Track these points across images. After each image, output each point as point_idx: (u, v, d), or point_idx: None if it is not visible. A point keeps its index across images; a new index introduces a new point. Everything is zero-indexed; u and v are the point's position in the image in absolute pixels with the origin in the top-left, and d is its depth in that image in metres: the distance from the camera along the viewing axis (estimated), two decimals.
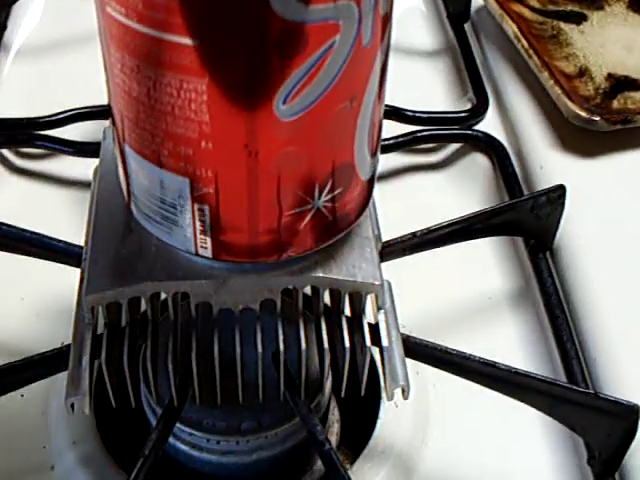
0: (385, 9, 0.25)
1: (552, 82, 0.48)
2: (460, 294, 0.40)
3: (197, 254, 0.27)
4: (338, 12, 0.23)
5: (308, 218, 0.27)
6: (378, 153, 0.29)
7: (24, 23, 0.58)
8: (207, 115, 0.24)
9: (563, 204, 0.39)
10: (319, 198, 0.27)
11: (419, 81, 0.55)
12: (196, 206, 0.26)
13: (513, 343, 0.38)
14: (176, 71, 0.23)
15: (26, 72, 0.54)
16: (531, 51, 0.51)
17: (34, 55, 0.55)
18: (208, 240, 0.27)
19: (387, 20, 0.26)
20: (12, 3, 0.56)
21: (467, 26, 0.57)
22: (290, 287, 0.28)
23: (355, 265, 0.28)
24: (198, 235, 0.27)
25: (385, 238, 0.34)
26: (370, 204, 0.30)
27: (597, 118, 0.46)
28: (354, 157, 0.27)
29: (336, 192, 0.27)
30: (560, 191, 0.38)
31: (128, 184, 0.28)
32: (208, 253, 0.27)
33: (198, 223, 0.27)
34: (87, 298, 0.28)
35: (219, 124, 0.24)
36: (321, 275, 0.28)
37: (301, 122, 0.24)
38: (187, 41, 0.23)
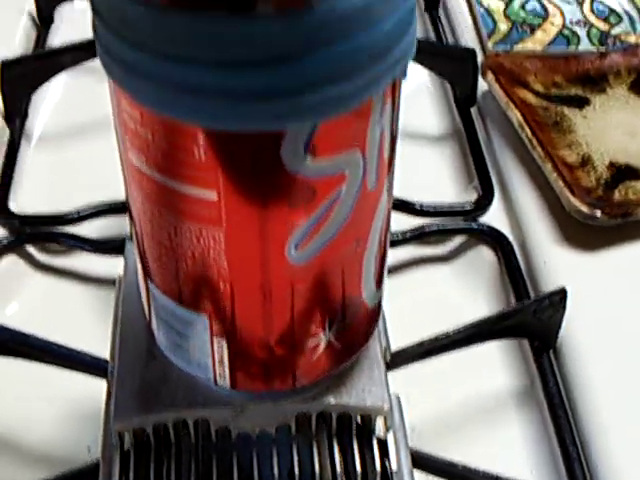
0: (389, 151, 0.27)
1: (555, 175, 0.50)
2: (466, 394, 0.41)
3: (216, 383, 0.29)
4: (344, 162, 0.25)
5: (320, 349, 0.29)
6: (384, 281, 0.30)
7: (44, 110, 0.60)
8: (225, 261, 0.26)
9: (564, 307, 0.40)
10: (330, 330, 0.28)
11: (426, 166, 0.57)
12: (214, 340, 0.28)
13: (518, 443, 0.39)
14: (195, 220, 0.25)
15: (48, 160, 0.56)
16: (535, 141, 0.52)
17: (56, 142, 0.57)
18: (226, 371, 0.29)
19: (391, 161, 0.27)
20: (32, 92, 0.58)
21: (473, 110, 0.59)
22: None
23: (364, 389, 0.30)
24: (216, 366, 0.29)
25: (391, 337, 0.35)
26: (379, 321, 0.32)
27: (598, 213, 0.47)
28: (361, 290, 0.29)
29: (345, 323, 0.29)
30: (561, 294, 0.40)
31: (149, 309, 0.30)
32: (226, 383, 0.29)
33: (216, 355, 0.28)
34: (115, 425, 0.29)
35: (236, 268, 0.26)
36: (332, 402, 0.30)
37: (311, 265, 0.26)
38: (205, 194, 0.24)
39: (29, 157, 0.56)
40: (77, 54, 0.54)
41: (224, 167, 0.24)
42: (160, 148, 0.24)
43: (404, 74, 0.25)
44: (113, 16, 0.23)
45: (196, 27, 0.21)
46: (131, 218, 0.28)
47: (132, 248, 0.35)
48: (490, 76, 0.56)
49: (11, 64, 0.54)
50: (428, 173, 0.56)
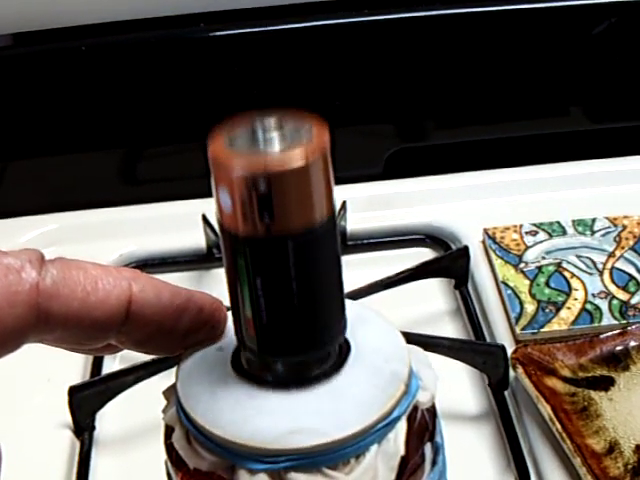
0: None
1: (585, 470, 0.54)
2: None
3: None
4: None
5: None
6: None
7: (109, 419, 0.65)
8: None
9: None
10: None
11: (466, 447, 0.61)
12: None
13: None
14: None
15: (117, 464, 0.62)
16: (564, 435, 0.56)
17: (122, 446, 0.63)
18: None
19: None
20: (98, 410, 0.63)
21: (507, 392, 0.64)
22: None
23: None
24: None
25: None
26: None
27: None
28: None
29: None
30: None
31: None
32: None
33: None
34: None
35: None
36: None
37: None
38: None
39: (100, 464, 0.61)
40: (139, 374, 0.60)
41: None
42: None
43: None
44: None
45: None
46: None
47: None
48: (519, 369, 0.61)
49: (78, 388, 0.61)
50: (467, 455, 0.60)
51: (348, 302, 0.32)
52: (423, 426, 0.32)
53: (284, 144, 0.28)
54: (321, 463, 0.30)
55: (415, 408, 0.32)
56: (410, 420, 0.31)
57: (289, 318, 0.30)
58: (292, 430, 0.30)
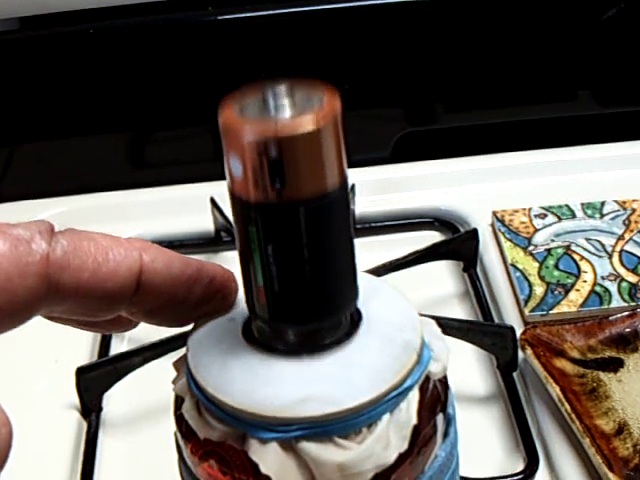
0: None
1: (594, 450, 0.54)
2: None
3: None
4: None
5: None
6: None
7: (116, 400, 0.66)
8: None
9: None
10: None
11: (475, 428, 0.61)
12: None
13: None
14: None
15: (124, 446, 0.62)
16: (573, 415, 0.56)
17: (129, 428, 0.64)
18: None
19: None
20: (105, 391, 0.63)
21: (516, 374, 0.64)
22: None
23: None
24: None
25: None
26: None
27: None
28: None
29: None
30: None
31: None
32: None
33: None
34: None
35: None
36: None
37: None
38: None
39: (107, 445, 0.62)
40: (146, 355, 0.60)
41: None
42: None
43: None
44: None
45: None
46: None
47: None
48: (528, 351, 0.61)
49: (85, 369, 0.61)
50: (477, 435, 0.60)
51: (361, 274, 0.32)
52: (435, 397, 0.32)
53: (295, 111, 0.28)
54: (333, 432, 0.29)
55: (427, 379, 0.32)
56: (422, 390, 0.31)
57: (300, 285, 0.29)
58: (303, 399, 0.29)
